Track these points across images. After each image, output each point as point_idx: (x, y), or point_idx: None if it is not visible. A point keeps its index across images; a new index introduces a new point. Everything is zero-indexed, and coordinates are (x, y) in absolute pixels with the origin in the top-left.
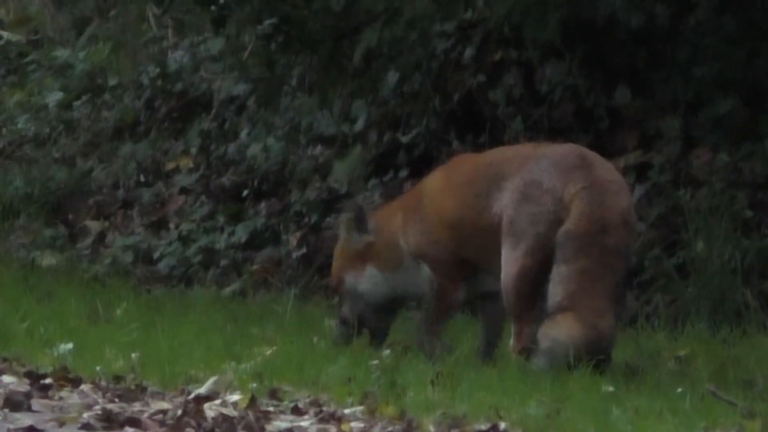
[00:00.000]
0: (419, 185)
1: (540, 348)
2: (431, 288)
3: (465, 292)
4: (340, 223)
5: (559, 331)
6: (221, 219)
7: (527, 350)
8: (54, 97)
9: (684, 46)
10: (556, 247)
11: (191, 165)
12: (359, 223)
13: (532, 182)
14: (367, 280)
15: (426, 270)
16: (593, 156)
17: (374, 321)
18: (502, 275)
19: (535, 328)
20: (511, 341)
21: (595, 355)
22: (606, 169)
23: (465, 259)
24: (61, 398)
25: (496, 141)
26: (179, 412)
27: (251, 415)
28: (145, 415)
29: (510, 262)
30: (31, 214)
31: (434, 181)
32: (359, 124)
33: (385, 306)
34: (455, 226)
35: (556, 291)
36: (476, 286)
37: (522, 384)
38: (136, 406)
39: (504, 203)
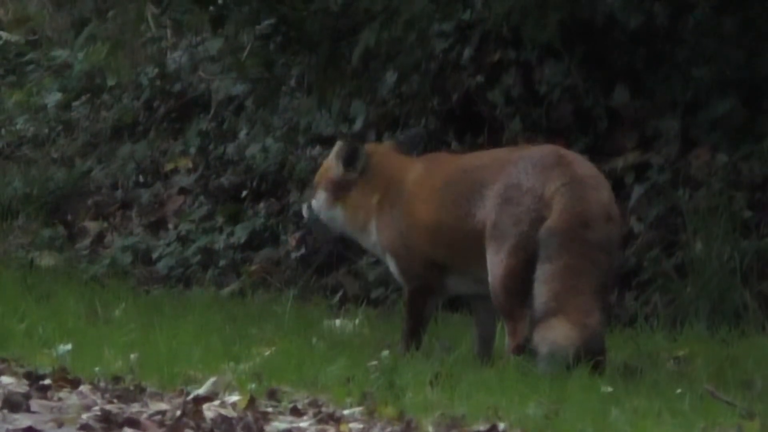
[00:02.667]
0: (404, 170)
1: (541, 353)
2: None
3: (436, 300)
4: (334, 148)
5: (557, 334)
6: (220, 219)
7: (523, 347)
8: (53, 98)
9: (683, 47)
10: (540, 246)
11: (190, 165)
12: (349, 158)
13: (512, 185)
14: (330, 213)
15: (392, 264)
16: (571, 154)
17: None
18: (490, 278)
19: (530, 327)
20: (507, 341)
21: (589, 352)
22: (584, 166)
23: (437, 262)
24: (59, 399)
25: (494, 141)
26: (178, 412)
27: (250, 416)
28: (144, 415)
29: (496, 264)
30: (30, 214)
31: (416, 176)
32: (358, 125)
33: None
34: (431, 230)
35: (541, 291)
36: (450, 288)
37: (521, 385)
38: (135, 407)
39: (487, 210)
